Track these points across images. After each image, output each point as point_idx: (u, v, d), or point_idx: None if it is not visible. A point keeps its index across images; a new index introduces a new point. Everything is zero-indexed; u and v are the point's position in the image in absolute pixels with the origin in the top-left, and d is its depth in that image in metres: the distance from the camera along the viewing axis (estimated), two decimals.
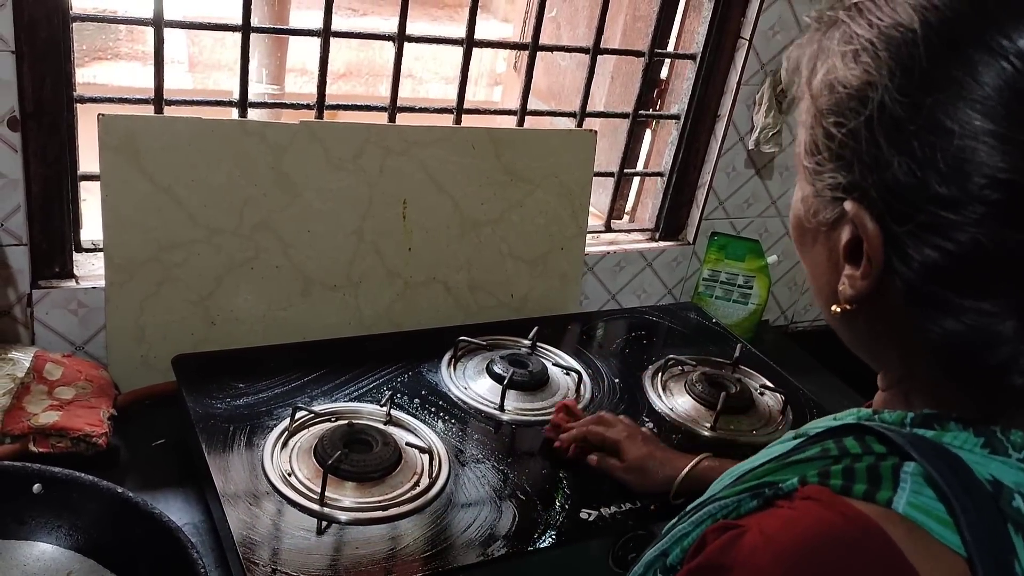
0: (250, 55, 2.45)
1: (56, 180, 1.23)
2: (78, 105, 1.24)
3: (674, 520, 0.73)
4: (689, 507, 0.72)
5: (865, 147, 0.57)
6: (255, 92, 2.13)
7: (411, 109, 1.46)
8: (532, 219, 1.56)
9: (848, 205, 0.59)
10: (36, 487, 1.01)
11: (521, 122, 1.55)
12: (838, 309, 0.63)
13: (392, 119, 1.44)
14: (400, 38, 1.39)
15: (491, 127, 1.49)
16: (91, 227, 1.35)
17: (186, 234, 1.29)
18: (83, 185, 1.32)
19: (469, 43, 1.44)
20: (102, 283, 1.27)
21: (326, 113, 1.39)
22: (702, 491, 0.96)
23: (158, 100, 1.26)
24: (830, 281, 0.64)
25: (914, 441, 0.59)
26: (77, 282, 1.29)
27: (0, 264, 1.21)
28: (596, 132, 1.58)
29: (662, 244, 1.77)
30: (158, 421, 1.26)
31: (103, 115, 1.20)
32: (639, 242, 1.76)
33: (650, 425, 1.31)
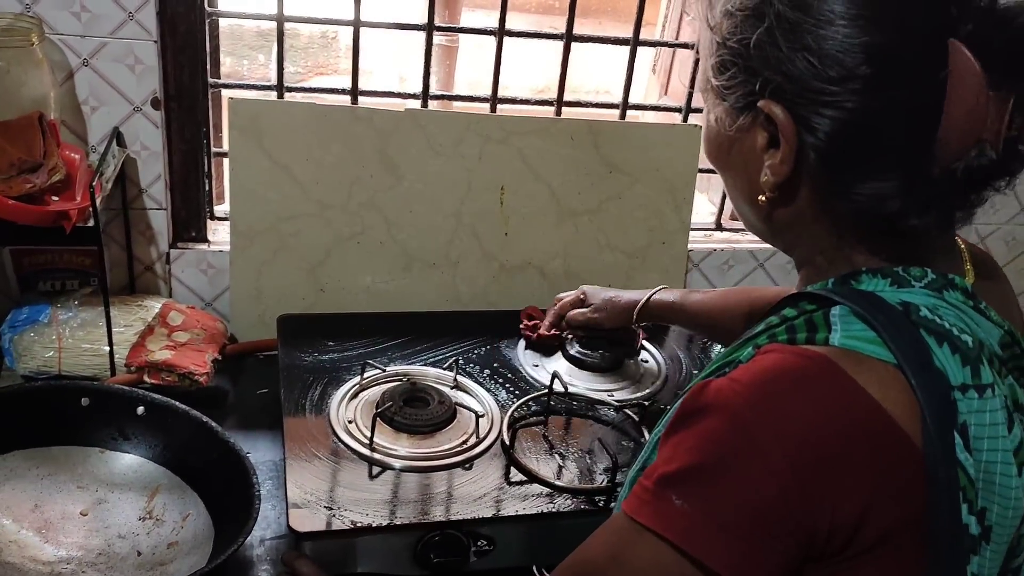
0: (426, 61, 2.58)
1: (193, 155, 1.42)
2: (218, 91, 1.43)
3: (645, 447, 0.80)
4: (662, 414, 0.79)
5: (769, 51, 0.69)
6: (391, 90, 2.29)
7: (512, 100, 1.55)
8: (631, 212, 1.59)
9: (761, 103, 0.70)
10: (140, 409, 1.18)
11: (623, 115, 1.59)
12: (763, 199, 0.74)
13: (493, 109, 1.53)
14: (500, 32, 1.48)
15: (591, 119, 1.54)
16: (226, 200, 1.54)
17: (300, 208, 1.45)
18: (224, 164, 1.51)
19: (568, 38, 1.50)
20: (229, 248, 1.45)
21: (431, 103, 1.50)
22: (662, 316, 1.31)
23: (279, 87, 1.42)
24: (751, 179, 0.75)
25: (837, 291, 0.71)
26: (209, 245, 1.48)
27: (144, 225, 1.41)
28: (700, 127, 1.59)
29: None
30: (267, 373, 1.41)
31: (232, 99, 1.38)
32: (753, 242, 1.74)
33: None
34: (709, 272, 1.70)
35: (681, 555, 0.63)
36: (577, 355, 1.39)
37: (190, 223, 1.47)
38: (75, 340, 1.31)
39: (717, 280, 1.72)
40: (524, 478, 1.13)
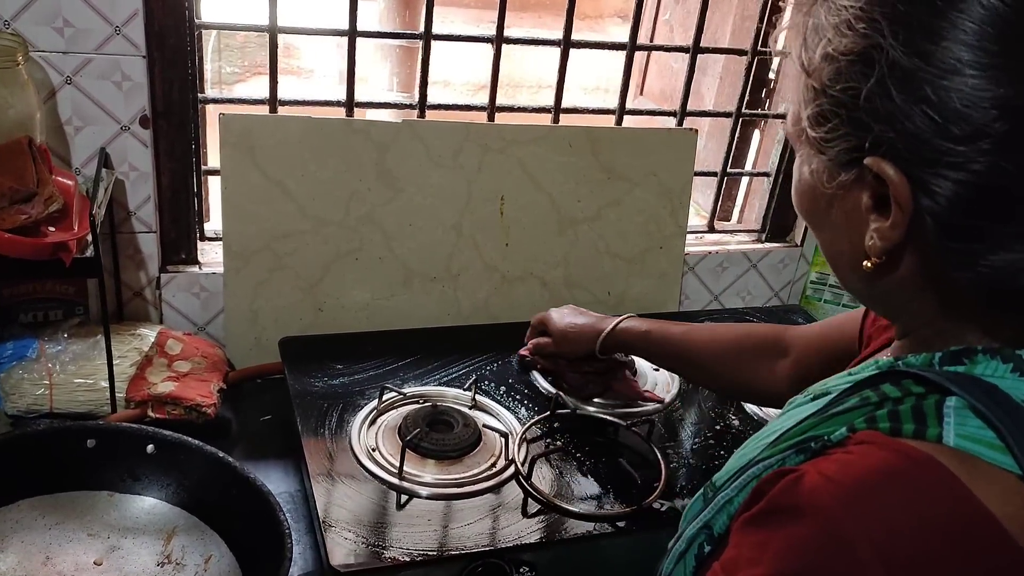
0: (383, 64, 2.55)
1: (183, 174, 1.35)
2: (204, 106, 1.36)
3: (700, 494, 0.75)
4: (720, 478, 0.73)
5: (880, 104, 0.60)
6: (386, 100, 2.23)
7: (509, 109, 1.51)
8: (630, 217, 1.58)
9: (868, 160, 0.62)
10: (150, 447, 1.12)
11: (620, 121, 1.57)
12: (870, 264, 0.65)
13: (491, 119, 1.49)
14: (498, 40, 1.44)
15: (588, 126, 1.52)
16: (216, 218, 1.47)
17: (296, 225, 1.39)
18: (211, 181, 1.44)
19: (566, 44, 1.48)
20: (222, 269, 1.39)
21: (428, 113, 1.46)
22: (626, 348, 1.21)
23: (272, 101, 1.36)
24: (852, 242, 0.66)
25: (951, 376, 0.62)
26: (200, 268, 1.42)
27: (133, 249, 1.34)
28: (696, 131, 1.58)
29: (768, 246, 1.74)
30: (267, 399, 1.36)
31: (223, 114, 1.31)
32: (744, 243, 1.75)
33: (735, 422, 1.31)
34: (704, 275, 1.70)
35: None
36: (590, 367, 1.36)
37: (180, 245, 1.40)
38: (67, 375, 1.24)
39: (712, 283, 1.72)
40: (542, 508, 1.09)
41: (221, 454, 1.11)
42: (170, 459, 1.12)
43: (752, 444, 0.75)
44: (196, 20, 1.27)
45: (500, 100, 1.50)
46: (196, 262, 1.42)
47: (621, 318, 1.25)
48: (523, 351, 1.35)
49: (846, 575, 0.56)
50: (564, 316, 1.30)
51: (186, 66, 1.28)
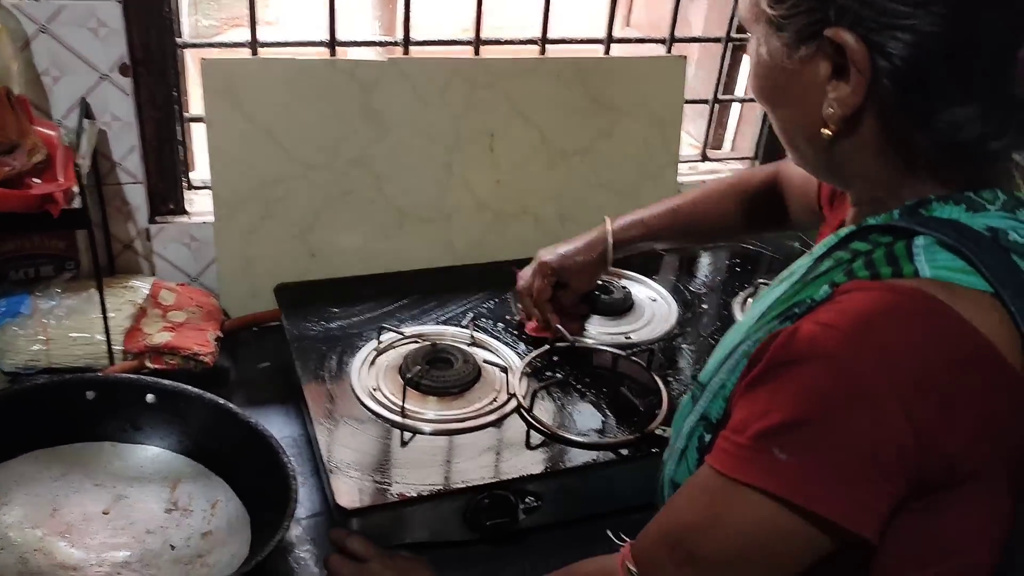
0: (364, 9, 2.49)
1: (166, 122, 1.33)
2: (184, 53, 1.33)
3: (689, 394, 0.78)
4: (709, 371, 0.75)
5: None
6: (369, 39, 2.19)
7: (495, 42, 1.48)
8: (621, 148, 1.56)
9: (828, 31, 0.65)
10: (149, 397, 1.11)
11: (608, 50, 1.54)
12: (829, 132, 0.69)
13: (476, 53, 1.47)
14: None
15: (575, 56, 1.49)
16: (203, 167, 1.45)
17: (284, 170, 1.37)
18: (196, 129, 1.42)
19: None
20: (212, 218, 1.37)
21: (413, 50, 1.43)
22: (631, 246, 1.25)
23: (253, 44, 1.33)
24: (810, 114, 0.69)
25: (916, 220, 0.67)
26: (190, 217, 1.40)
27: (120, 201, 1.32)
28: (685, 57, 1.56)
29: None
30: (265, 346, 1.36)
31: (205, 59, 1.29)
32: (738, 170, 1.73)
33: None
34: None
35: (789, 508, 0.61)
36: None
37: (168, 195, 1.38)
38: (62, 330, 1.23)
39: None
40: (545, 440, 1.09)
41: (221, 401, 1.11)
42: (171, 408, 1.12)
43: (732, 334, 0.77)
44: None
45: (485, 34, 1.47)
46: (185, 212, 1.41)
47: (606, 227, 1.25)
48: (534, 331, 1.28)
49: (860, 410, 0.60)
50: (562, 256, 1.26)
51: (162, 11, 1.25)
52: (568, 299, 1.29)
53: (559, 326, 1.25)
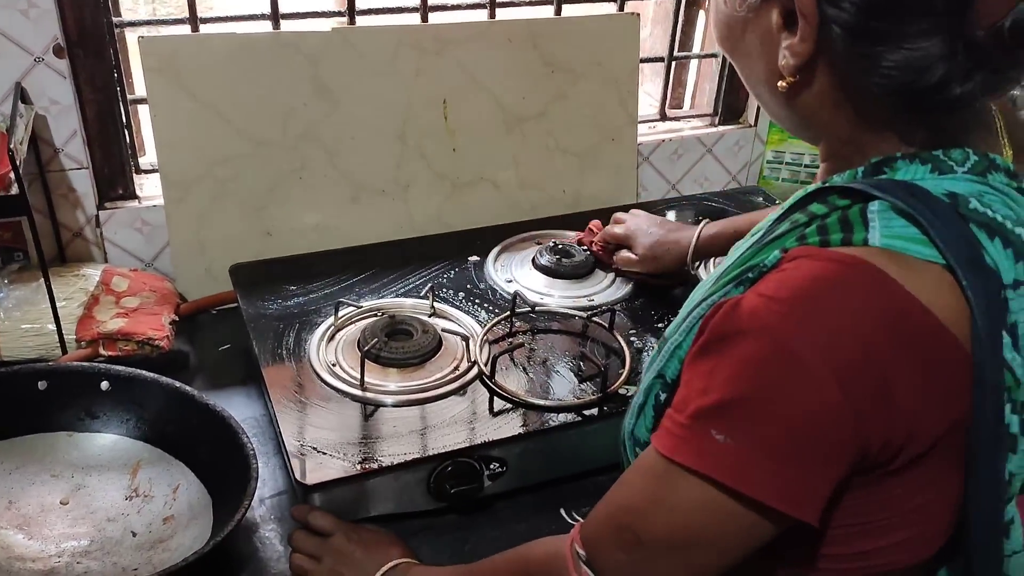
0: None
1: (108, 105, 1.29)
2: (123, 32, 1.30)
3: (656, 348, 0.76)
4: (670, 330, 0.73)
5: None
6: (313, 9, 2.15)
7: (443, 8, 1.46)
8: (578, 110, 1.54)
9: None
10: (104, 384, 1.09)
11: (559, 11, 1.52)
12: (784, 84, 0.67)
13: (424, 19, 1.44)
14: None
15: (526, 18, 1.47)
16: (152, 150, 1.42)
17: (234, 148, 1.34)
18: (142, 111, 1.39)
19: None
20: (162, 201, 1.34)
21: (359, 20, 1.40)
22: (714, 253, 1.20)
23: (193, 20, 1.30)
24: (768, 63, 0.68)
25: (873, 184, 0.64)
26: (140, 202, 1.37)
27: (66, 188, 1.29)
28: (638, 15, 1.54)
29: (722, 129, 1.71)
30: (224, 328, 1.34)
31: (143, 37, 1.25)
32: (698, 128, 1.71)
33: None
34: (659, 164, 1.67)
35: (729, 493, 0.60)
36: (547, 264, 1.35)
37: (116, 180, 1.35)
38: (12, 322, 1.20)
39: (668, 171, 1.69)
40: (509, 406, 1.08)
41: (178, 384, 1.09)
42: (126, 394, 1.10)
43: (695, 292, 0.75)
44: None
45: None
46: (135, 196, 1.38)
47: (698, 229, 1.23)
48: (596, 247, 1.36)
49: (796, 387, 0.58)
50: (647, 232, 1.28)
51: None
52: (628, 265, 1.31)
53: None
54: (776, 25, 0.65)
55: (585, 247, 1.38)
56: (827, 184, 0.68)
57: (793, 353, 0.57)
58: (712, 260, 1.35)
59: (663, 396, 0.72)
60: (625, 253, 1.31)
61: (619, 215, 1.35)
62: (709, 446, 0.60)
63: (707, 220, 1.25)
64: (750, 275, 0.65)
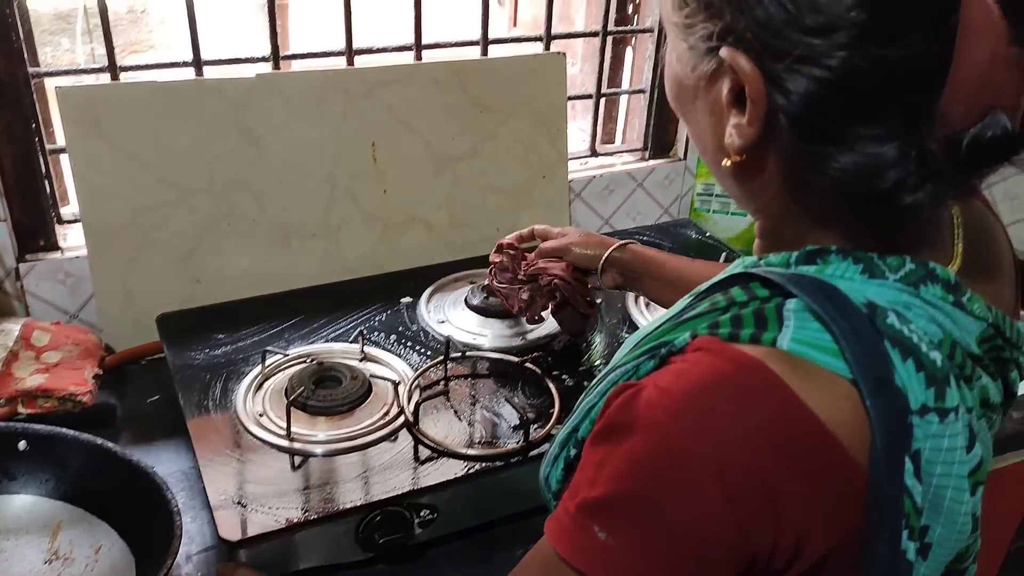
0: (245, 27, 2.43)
1: (27, 156, 1.27)
2: (42, 81, 1.28)
3: (583, 395, 0.74)
4: (595, 380, 0.73)
5: None
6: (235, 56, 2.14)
7: (369, 51, 1.46)
8: (508, 149, 1.55)
9: (724, 51, 0.59)
10: (21, 444, 1.06)
11: (485, 52, 1.53)
12: (729, 163, 0.63)
13: (350, 63, 1.44)
14: None
15: (452, 60, 1.48)
16: (74, 199, 1.40)
17: (159, 197, 1.33)
18: (64, 160, 1.37)
19: None
20: (86, 252, 1.32)
21: (283, 64, 1.40)
22: (627, 267, 1.17)
23: (112, 68, 1.29)
24: (716, 135, 0.64)
25: (794, 279, 0.61)
26: (62, 253, 1.35)
27: None
28: (564, 54, 1.56)
29: (652, 163, 1.74)
30: (153, 379, 1.31)
31: (60, 87, 1.24)
32: (629, 163, 1.74)
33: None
34: (591, 199, 1.69)
35: None
36: (479, 304, 1.35)
37: (37, 231, 1.32)
38: None
39: (600, 207, 1.71)
40: (433, 454, 1.07)
41: (100, 441, 1.06)
42: (45, 453, 1.07)
43: (626, 344, 0.74)
44: None
45: (359, 43, 1.45)
46: (57, 248, 1.35)
47: (627, 240, 1.19)
48: (495, 257, 1.26)
49: (680, 492, 0.56)
50: (578, 232, 1.23)
51: (11, 39, 1.20)
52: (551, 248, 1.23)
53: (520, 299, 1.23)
54: (726, 100, 0.61)
55: (495, 284, 1.27)
56: (763, 265, 0.65)
57: (679, 457, 0.55)
58: (637, 299, 1.37)
59: (573, 452, 0.72)
60: (553, 240, 1.23)
61: (547, 237, 1.26)
62: (591, 542, 0.57)
63: (634, 240, 1.21)
64: (662, 351, 0.63)
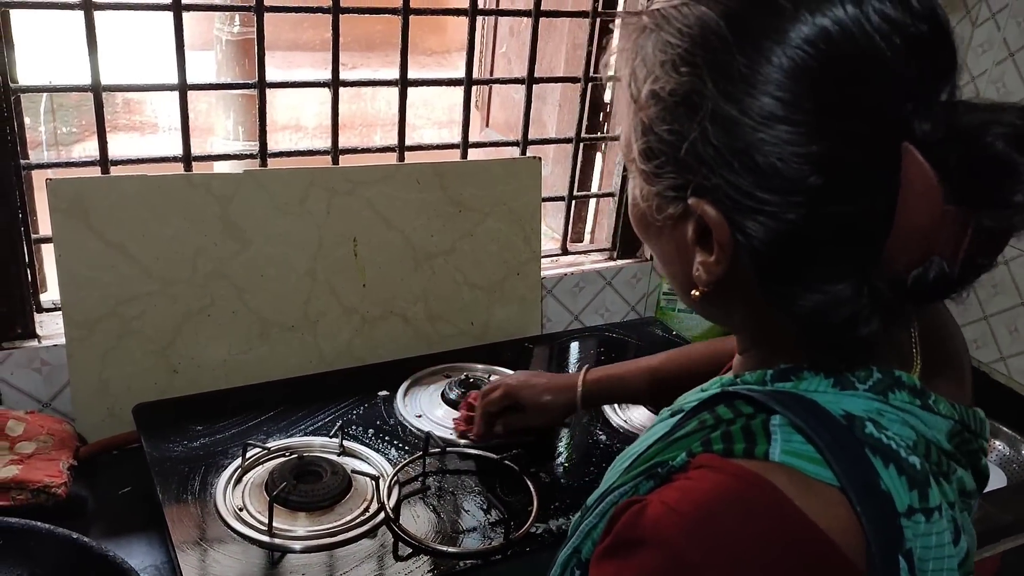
0: (226, 114, 2.49)
1: (10, 245, 1.28)
2: (30, 172, 1.30)
3: (579, 515, 0.76)
4: (591, 501, 0.74)
5: (703, 150, 0.61)
6: (232, 149, 2.18)
7: (353, 151, 1.51)
8: (484, 247, 1.60)
9: (691, 200, 0.63)
10: None
11: (465, 154, 1.59)
12: (697, 294, 0.67)
13: (335, 162, 1.49)
14: (335, 83, 1.45)
15: (434, 161, 1.54)
16: (54, 288, 1.40)
17: (141, 287, 1.34)
18: (46, 249, 1.37)
19: (404, 83, 1.50)
20: (63, 340, 1.32)
21: (271, 161, 1.44)
22: (604, 398, 1.22)
23: (104, 162, 1.31)
24: (683, 269, 0.67)
25: (775, 396, 0.64)
26: (39, 341, 1.34)
27: None
28: (540, 159, 1.63)
29: (620, 263, 1.80)
30: (126, 470, 1.30)
31: (50, 180, 1.26)
32: (598, 262, 1.80)
33: (602, 437, 1.34)
34: (562, 296, 1.74)
35: None
36: (456, 399, 1.37)
37: (15, 319, 1.32)
38: None
39: (571, 303, 1.76)
40: (414, 552, 1.08)
41: (75, 535, 1.05)
42: (18, 548, 1.05)
43: (615, 467, 0.76)
44: (12, 84, 1.22)
45: (351, 141, 1.50)
46: (35, 336, 1.35)
47: (581, 374, 1.23)
48: (476, 436, 1.29)
49: None
50: (530, 384, 1.26)
51: (3, 132, 1.22)
52: (518, 423, 1.27)
53: (475, 437, 1.28)
54: (691, 240, 0.65)
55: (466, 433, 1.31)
56: (740, 383, 0.69)
57: (691, 569, 0.58)
58: (616, 407, 1.40)
59: (577, 573, 0.73)
60: (509, 418, 1.28)
61: (488, 386, 1.30)
62: None
63: (587, 365, 1.26)
64: (659, 471, 0.66)
